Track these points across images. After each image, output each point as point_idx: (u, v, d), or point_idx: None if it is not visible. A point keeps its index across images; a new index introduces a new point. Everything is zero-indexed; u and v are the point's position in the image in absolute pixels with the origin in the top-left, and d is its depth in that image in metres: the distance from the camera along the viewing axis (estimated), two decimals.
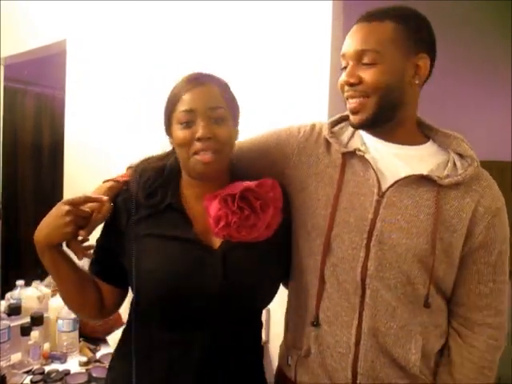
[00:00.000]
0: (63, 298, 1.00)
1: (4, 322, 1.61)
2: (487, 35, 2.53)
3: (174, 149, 0.98)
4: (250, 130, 1.05)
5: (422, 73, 0.91)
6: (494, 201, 0.92)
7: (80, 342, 1.75)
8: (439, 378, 0.95)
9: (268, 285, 0.97)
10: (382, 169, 0.93)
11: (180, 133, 0.92)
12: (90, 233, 0.91)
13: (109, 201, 0.93)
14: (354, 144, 0.98)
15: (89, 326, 1.77)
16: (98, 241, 1.01)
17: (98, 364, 1.62)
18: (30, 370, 1.56)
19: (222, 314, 0.92)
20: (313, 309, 0.95)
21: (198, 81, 0.93)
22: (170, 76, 0.97)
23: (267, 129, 1.09)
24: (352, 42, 0.91)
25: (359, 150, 0.94)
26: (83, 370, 1.58)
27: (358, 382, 0.91)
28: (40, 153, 3.37)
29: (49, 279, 1.94)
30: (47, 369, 1.56)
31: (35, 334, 1.62)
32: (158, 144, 1.03)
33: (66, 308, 1.59)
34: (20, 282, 1.88)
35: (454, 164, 0.93)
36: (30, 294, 1.85)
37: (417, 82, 0.91)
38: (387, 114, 0.92)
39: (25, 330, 1.62)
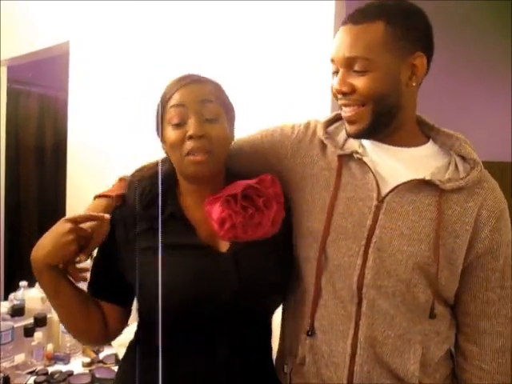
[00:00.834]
0: (66, 324, 0.92)
1: (7, 322, 1.62)
2: (487, 35, 2.52)
3: (167, 155, 0.94)
4: (251, 129, 1.04)
5: (420, 72, 0.85)
6: (497, 203, 0.88)
7: None
8: None
9: (282, 281, 0.95)
10: (380, 172, 0.89)
11: (171, 133, 0.87)
12: (89, 255, 0.87)
13: (108, 219, 0.89)
14: (351, 145, 0.93)
15: None
16: (95, 260, 0.94)
17: (101, 365, 1.62)
18: (34, 371, 1.56)
19: (241, 317, 0.89)
20: (308, 316, 0.92)
21: (189, 79, 0.90)
22: (171, 77, 0.94)
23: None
24: (340, 47, 0.84)
25: (357, 153, 0.89)
26: (86, 370, 1.59)
27: None
28: (43, 154, 3.38)
29: None
30: (50, 370, 1.57)
31: (38, 334, 1.63)
32: (159, 145, 1.02)
33: None
34: (23, 283, 1.89)
35: (456, 166, 0.89)
36: (33, 295, 1.85)
37: (414, 83, 0.85)
38: (385, 121, 0.87)
39: (28, 331, 1.63)
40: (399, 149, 0.90)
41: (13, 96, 3.06)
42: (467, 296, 0.90)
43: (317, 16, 1.52)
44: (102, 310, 0.93)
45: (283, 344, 1.04)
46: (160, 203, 0.91)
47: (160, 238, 0.88)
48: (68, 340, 1.69)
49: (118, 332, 0.98)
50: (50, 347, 1.69)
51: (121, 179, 1.00)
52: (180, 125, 0.87)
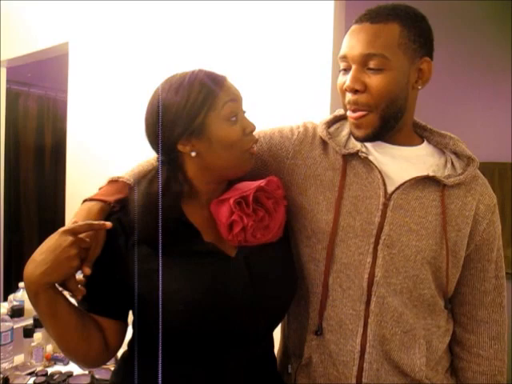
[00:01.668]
0: (64, 347, 0.83)
1: (7, 323, 1.61)
2: (487, 35, 2.53)
3: (163, 156, 0.88)
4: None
5: (425, 77, 0.88)
6: (491, 198, 0.94)
7: None
8: None
9: (293, 284, 0.94)
10: (385, 170, 0.90)
11: (231, 130, 0.84)
12: (91, 267, 0.79)
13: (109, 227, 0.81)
14: (354, 145, 0.94)
15: None
16: (89, 273, 0.82)
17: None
18: (33, 372, 1.56)
19: (255, 323, 0.86)
20: (315, 316, 0.92)
21: (222, 76, 0.88)
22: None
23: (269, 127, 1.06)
24: (356, 44, 0.84)
25: (362, 152, 0.91)
26: (86, 371, 1.58)
27: None
28: (42, 155, 3.38)
29: None
30: (50, 370, 1.56)
31: (38, 335, 1.62)
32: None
33: None
34: (22, 284, 1.86)
35: (452, 164, 0.93)
36: None
37: (420, 87, 0.88)
38: (391, 124, 0.88)
39: (28, 332, 1.63)
40: (400, 148, 0.93)
41: (12, 97, 3.06)
42: (466, 287, 0.95)
43: (316, 16, 1.53)
44: (100, 328, 0.84)
45: (287, 344, 1.04)
46: (160, 206, 0.84)
47: (162, 243, 0.81)
48: None
49: (117, 349, 0.90)
50: (49, 348, 1.69)
51: (111, 181, 0.94)
52: (236, 120, 0.85)
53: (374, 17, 0.85)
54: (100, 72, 2.23)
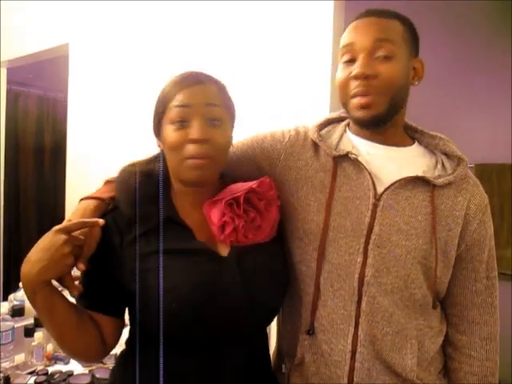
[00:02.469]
0: (62, 344, 0.85)
1: (8, 323, 1.62)
2: (487, 35, 2.53)
3: (159, 153, 0.92)
4: (252, 129, 1.05)
5: (419, 76, 0.92)
6: (482, 198, 0.94)
7: None
8: None
9: (285, 284, 0.95)
10: (375, 171, 0.91)
11: (173, 134, 0.83)
12: (85, 263, 0.81)
13: (102, 224, 0.83)
14: (344, 147, 0.95)
15: None
16: (87, 269, 0.83)
17: (100, 365, 1.62)
18: (34, 371, 1.57)
19: (246, 322, 0.87)
20: (307, 316, 0.93)
21: (194, 78, 0.86)
22: (172, 75, 0.92)
23: (268, 128, 1.07)
24: (367, 33, 0.87)
25: (352, 153, 0.92)
26: (86, 371, 1.59)
27: None
28: (42, 155, 3.39)
29: None
30: (51, 370, 1.57)
31: (39, 335, 1.63)
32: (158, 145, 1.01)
33: None
34: None
35: (443, 164, 0.94)
36: None
37: (416, 83, 0.92)
38: (393, 113, 0.90)
39: (28, 331, 1.64)
40: (390, 148, 0.94)
41: (12, 97, 3.07)
42: (457, 288, 0.95)
43: (316, 16, 1.54)
44: (97, 324, 0.87)
45: (281, 345, 1.05)
46: (159, 204, 0.87)
47: (160, 242, 0.84)
48: None
49: (114, 345, 0.92)
50: (50, 347, 1.69)
51: (107, 182, 0.96)
52: (182, 125, 0.83)
53: (379, 13, 0.89)
54: (100, 73, 2.24)
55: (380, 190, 0.90)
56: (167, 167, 0.90)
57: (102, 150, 2.22)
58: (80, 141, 2.36)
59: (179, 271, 0.83)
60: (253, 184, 0.89)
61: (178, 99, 0.84)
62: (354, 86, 0.87)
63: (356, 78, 0.86)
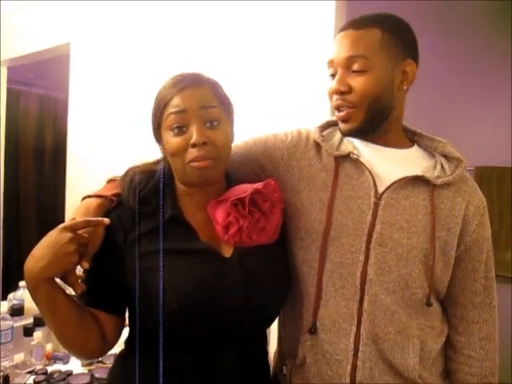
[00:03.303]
0: (63, 340, 0.86)
1: (7, 322, 1.62)
2: (487, 35, 2.53)
3: (166, 159, 0.92)
4: (252, 129, 1.06)
5: (410, 78, 0.93)
6: (481, 201, 0.96)
7: None
8: None
9: (287, 285, 0.95)
10: (375, 171, 0.93)
11: (172, 140, 0.84)
12: (89, 261, 0.81)
13: (107, 223, 0.83)
14: (346, 147, 0.97)
15: None
16: (88, 268, 0.84)
17: (100, 365, 1.63)
18: (33, 371, 1.57)
19: (247, 323, 0.88)
20: (309, 317, 0.94)
21: (186, 82, 0.85)
22: (166, 78, 0.92)
23: (269, 128, 1.08)
24: (340, 49, 0.91)
25: (353, 153, 0.94)
26: (86, 370, 1.59)
27: None
28: (42, 155, 3.38)
29: None
30: (50, 369, 1.58)
31: (38, 334, 1.64)
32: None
33: None
34: (22, 283, 1.88)
35: (442, 166, 0.96)
36: None
37: (405, 87, 0.93)
38: (376, 122, 0.93)
39: (28, 331, 1.64)
40: (390, 149, 0.96)
41: (13, 96, 3.06)
42: (457, 288, 0.96)
43: (317, 16, 1.54)
44: (98, 321, 0.87)
45: (282, 346, 1.05)
46: (161, 204, 0.88)
47: (162, 241, 0.85)
48: None
49: (115, 343, 0.92)
50: (49, 347, 1.70)
51: (110, 181, 0.97)
52: (182, 132, 0.84)
53: (356, 24, 0.91)
54: (101, 73, 2.24)
55: (381, 189, 0.92)
56: (171, 169, 0.91)
57: (102, 149, 2.22)
58: (80, 141, 2.36)
59: (182, 271, 0.84)
60: (258, 185, 0.89)
61: (173, 105, 0.84)
62: (334, 99, 0.93)
63: (334, 93, 0.92)
